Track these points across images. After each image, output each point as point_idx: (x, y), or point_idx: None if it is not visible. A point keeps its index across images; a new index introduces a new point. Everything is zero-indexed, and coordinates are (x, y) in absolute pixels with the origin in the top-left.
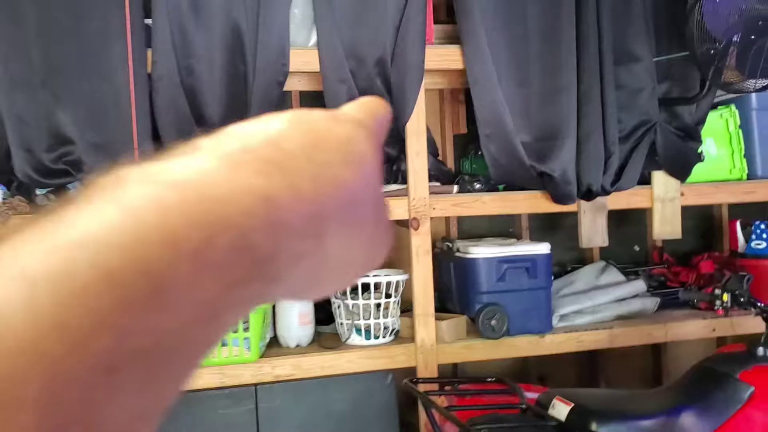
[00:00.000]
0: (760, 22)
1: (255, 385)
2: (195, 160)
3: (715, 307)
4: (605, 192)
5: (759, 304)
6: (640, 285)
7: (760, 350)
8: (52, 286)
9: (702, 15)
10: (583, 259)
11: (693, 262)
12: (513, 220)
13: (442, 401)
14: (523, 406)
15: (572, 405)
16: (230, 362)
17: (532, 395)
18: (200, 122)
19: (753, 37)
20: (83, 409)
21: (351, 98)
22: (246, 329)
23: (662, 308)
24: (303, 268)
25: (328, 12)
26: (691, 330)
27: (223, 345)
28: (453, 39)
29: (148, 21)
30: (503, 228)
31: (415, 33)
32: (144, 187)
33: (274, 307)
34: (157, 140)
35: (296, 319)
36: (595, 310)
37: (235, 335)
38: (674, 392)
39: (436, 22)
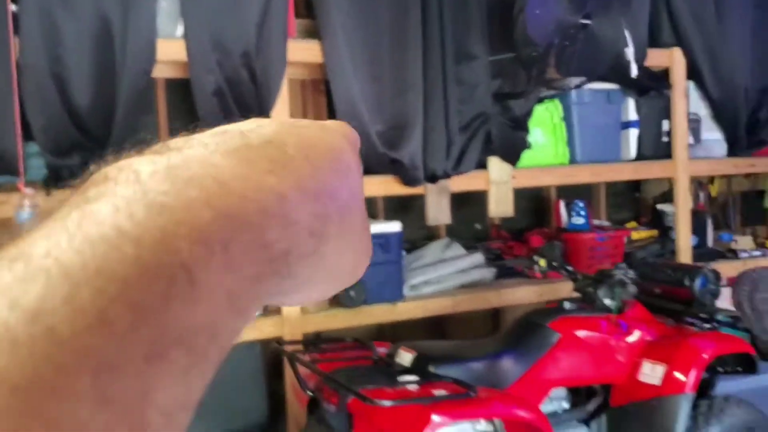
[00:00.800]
0: (572, 30)
1: None
2: (204, 155)
3: (535, 271)
4: (447, 175)
5: (569, 268)
6: (478, 257)
7: (566, 304)
8: (93, 282)
9: (525, 22)
10: (431, 236)
11: (525, 237)
12: (370, 203)
13: (305, 359)
14: (375, 358)
15: (415, 353)
16: None
17: (384, 350)
18: (69, 110)
19: (567, 42)
20: (130, 397)
21: (218, 88)
22: None
23: (499, 278)
24: (307, 267)
25: (195, 4)
26: (522, 295)
27: None
28: (314, 33)
29: (14, 8)
30: None
31: (277, 27)
32: (164, 183)
33: None
34: (26, 126)
35: None
36: (441, 280)
37: None
38: (498, 340)
39: (297, 16)
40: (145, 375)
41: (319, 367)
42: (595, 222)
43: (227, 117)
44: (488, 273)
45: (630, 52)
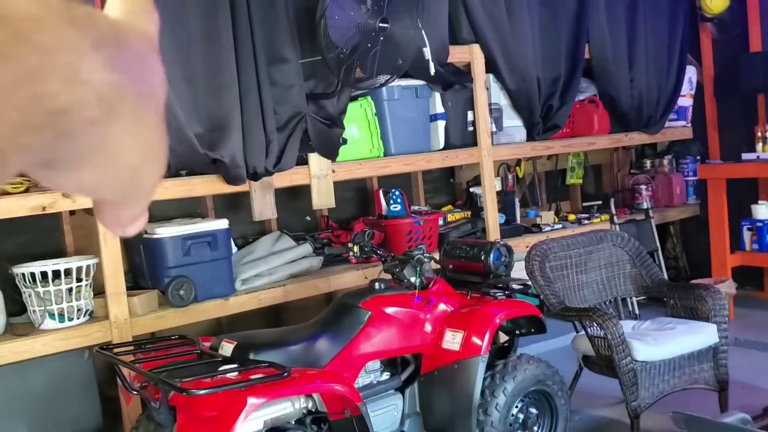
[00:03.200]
0: (372, 33)
1: None
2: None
3: (349, 257)
4: (269, 173)
5: (378, 251)
6: (306, 248)
7: (376, 284)
8: None
9: (327, 27)
10: (264, 231)
11: (351, 225)
12: (199, 202)
13: (129, 359)
14: (198, 352)
15: (236, 343)
16: None
17: (208, 344)
18: None
19: (369, 44)
20: None
21: None
22: None
23: (327, 265)
24: (89, 136)
25: None
26: (347, 279)
27: None
28: None
29: None
30: (192, 209)
31: None
32: None
33: None
34: None
35: None
36: (272, 272)
37: None
38: (316, 324)
39: None
40: None
41: (141, 366)
42: (414, 207)
43: None
44: (316, 262)
45: (427, 51)
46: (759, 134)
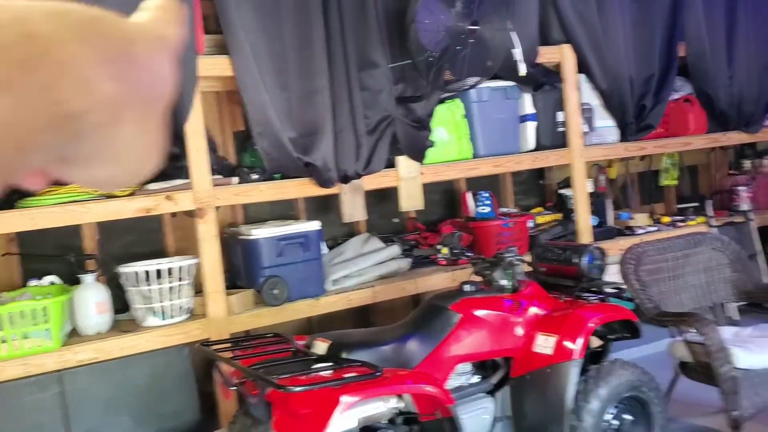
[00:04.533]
0: (462, 36)
1: (59, 371)
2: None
3: (438, 258)
4: (359, 175)
5: (468, 254)
6: (395, 250)
7: (465, 287)
8: None
9: (417, 32)
10: (352, 232)
11: (438, 227)
12: (292, 204)
13: (227, 356)
14: (293, 350)
15: (329, 342)
16: (33, 353)
17: (302, 342)
18: None
19: (458, 47)
20: None
21: None
22: (46, 321)
23: (416, 267)
24: (98, 137)
25: None
26: (435, 281)
27: (25, 338)
28: (223, 48)
29: None
30: (284, 211)
31: (187, 44)
32: None
33: (71, 299)
34: None
35: (94, 308)
36: (361, 273)
37: (35, 327)
38: (406, 325)
39: (207, 32)
40: None
41: (239, 362)
42: (503, 209)
43: None
44: (405, 263)
45: (518, 52)
46: None
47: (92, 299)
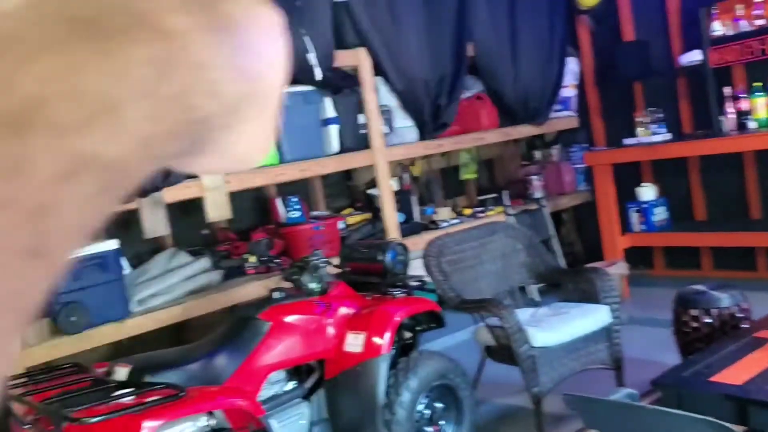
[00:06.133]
0: None
1: None
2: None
3: (246, 267)
4: (158, 188)
5: (276, 260)
6: (204, 263)
7: (275, 294)
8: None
9: None
10: (158, 248)
11: (250, 235)
12: None
13: (20, 392)
14: (92, 379)
15: (131, 366)
16: None
17: (103, 370)
18: None
19: None
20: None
21: None
22: None
23: (230, 278)
24: (217, 136)
25: None
26: (249, 291)
27: None
28: None
29: None
30: None
31: None
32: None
33: None
34: None
35: None
36: (170, 290)
37: None
38: (214, 340)
39: None
40: (54, 189)
41: (31, 399)
42: (314, 213)
43: None
44: (216, 276)
45: (312, 57)
46: (638, 120)
47: None
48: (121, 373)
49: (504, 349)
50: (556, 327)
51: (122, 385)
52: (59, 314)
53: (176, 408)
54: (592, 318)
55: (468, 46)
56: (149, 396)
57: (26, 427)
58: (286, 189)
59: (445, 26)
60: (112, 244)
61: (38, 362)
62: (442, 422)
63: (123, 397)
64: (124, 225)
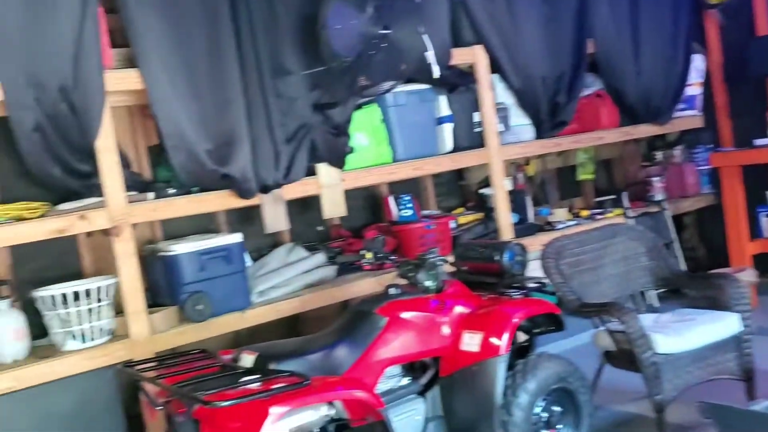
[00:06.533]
0: (374, 40)
1: None
2: None
3: (362, 263)
4: (279, 185)
5: (392, 257)
6: (320, 258)
7: (391, 290)
8: None
9: (329, 37)
10: (276, 243)
11: (363, 233)
12: (212, 218)
13: (152, 375)
14: (219, 365)
15: (256, 354)
16: None
17: (229, 357)
18: None
19: (371, 52)
20: None
21: (38, 124)
22: None
23: (342, 273)
24: None
25: (5, 45)
26: (363, 287)
27: None
28: (132, 61)
29: None
30: (205, 225)
31: (92, 59)
32: None
33: None
34: None
35: (10, 335)
36: (287, 283)
37: None
38: (334, 332)
39: (114, 45)
40: None
41: (164, 381)
42: (425, 212)
43: (50, 151)
44: (331, 271)
45: (430, 54)
46: None
47: (8, 326)
48: (247, 360)
49: (624, 355)
50: (681, 333)
51: (248, 371)
52: (186, 303)
53: (301, 396)
54: (721, 325)
55: (588, 42)
56: (275, 383)
57: (158, 408)
58: (397, 187)
59: (565, 22)
60: (237, 238)
61: (166, 347)
62: (559, 426)
63: (250, 383)
64: (246, 220)
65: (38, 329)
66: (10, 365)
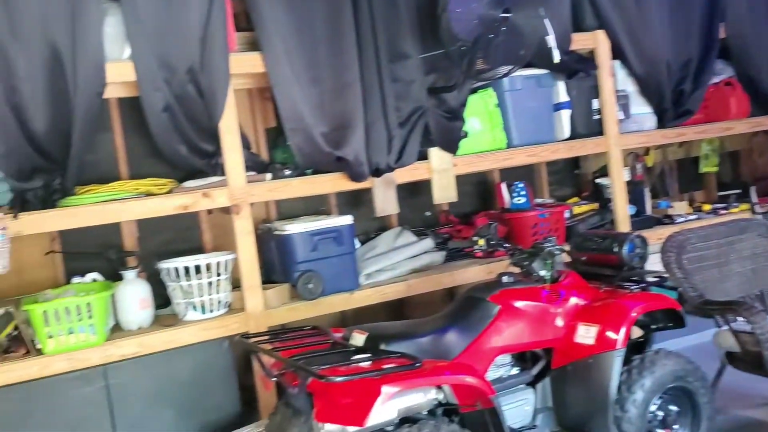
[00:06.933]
0: (494, 24)
1: (103, 365)
2: None
3: (474, 250)
4: (391, 169)
5: (505, 245)
6: (428, 243)
7: (504, 278)
8: None
9: (449, 20)
10: (384, 226)
11: (472, 220)
12: (324, 200)
13: (267, 348)
14: (331, 341)
15: (367, 333)
16: (78, 348)
17: (340, 335)
18: (27, 136)
19: (491, 35)
20: None
21: (167, 104)
22: (90, 316)
23: (450, 260)
24: None
25: (138, 29)
26: (471, 274)
27: (70, 333)
28: (255, 44)
29: None
30: (317, 207)
31: (218, 43)
32: None
33: (113, 295)
34: None
35: (136, 304)
36: (394, 267)
37: (80, 323)
38: (445, 316)
39: (238, 29)
40: None
41: (280, 354)
42: (538, 200)
43: (177, 131)
44: (438, 256)
45: (551, 39)
46: None
47: (134, 295)
48: (358, 339)
49: (750, 357)
50: None
51: (359, 350)
52: (298, 281)
53: (412, 377)
54: None
55: (720, 26)
56: (386, 363)
57: (273, 379)
58: (509, 174)
59: (694, 5)
60: (347, 220)
61: (277, 323)
62: (675, 426)
63: (362, 362)
64: (355, 203)
65: (161, 299)
66: (135, 332)
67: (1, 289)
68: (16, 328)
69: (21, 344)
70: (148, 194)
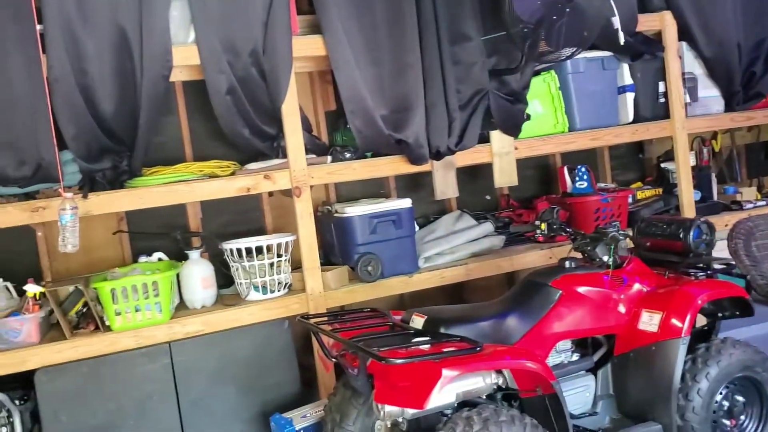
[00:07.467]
0: (558, 5)
1: (168, 342)
2: None
3: (536, 235)
4: (451, 152)
5: (568, 229)
6: (488, 227)
7: (566, 263)
8: None
9: (512, 2)
10: (443, 210)
11: (533, 204)
12: (382, 183)
13: (327, 329)
14: (390, 324)
15: (426, 317)
16: (144, 325)
17: (399, 317)
18: (96, 117)
19: (555, 17)
20: None
21: (231, 87)
22: (156, 294)
23: (510, 244)
24: None
25: (203, 12)
26: (531, 259)
27: (137, 310)
28: (316, 28)
29: (40, 27)
30: (375, 190)
31: (281, 26)
32: None
33: (178, 274)
34: (59, 136)
35: (200, 283)
36: (453, 250)
37: (146, 301)
38: (505, 301)
39: (299, 12)
40: None
41: (339, 335)
42: (600, 185)
43: (240, 113)
44: (498, 240)
45: (616, 20)
46: None
47: (198, 274)
48: (417, 321)
49: None
50: None
51: (419, 333)
52: (358, 263)
53: (472, 361)
54: None
55: None
56: (446, 346)
57: (332, 360)
58: (570, 158)
59: None
60: (406, 203)
61: (336, 304)
62: (742, 417)
63: (421, 344)
64: (414, 186)
65: (224, 279)
66: (199, 311)
67: (71, 267)
68: (85, 304)
69: (90, 320)
70: (212, 176)
